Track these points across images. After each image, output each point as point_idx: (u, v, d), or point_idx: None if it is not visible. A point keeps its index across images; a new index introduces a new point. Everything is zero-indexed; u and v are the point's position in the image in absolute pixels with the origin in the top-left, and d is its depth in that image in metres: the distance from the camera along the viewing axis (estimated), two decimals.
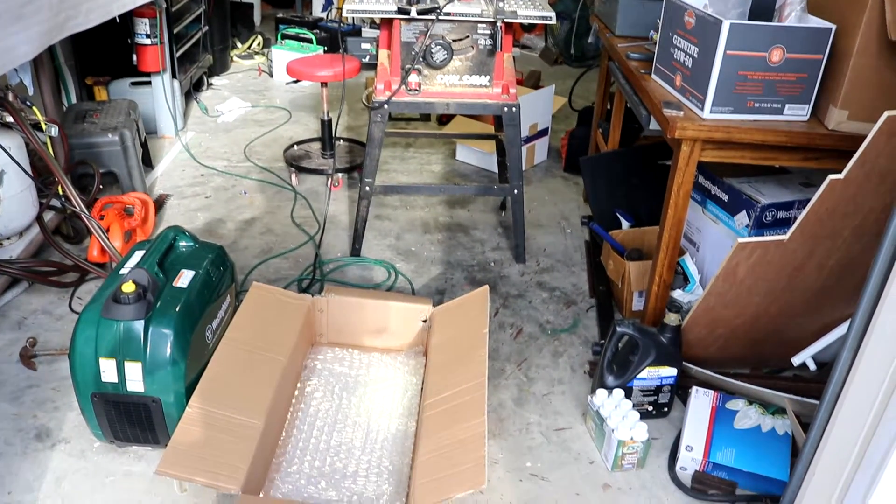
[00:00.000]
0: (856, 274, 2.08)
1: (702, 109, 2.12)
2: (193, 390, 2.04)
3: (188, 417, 1.96)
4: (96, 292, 2.15)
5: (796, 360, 2.32)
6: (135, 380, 2.02)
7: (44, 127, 2.88)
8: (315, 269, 3.11)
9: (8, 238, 2.88)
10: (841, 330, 2.22)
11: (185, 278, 2.20)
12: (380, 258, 3.23)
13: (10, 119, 2.69)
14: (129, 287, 2.01)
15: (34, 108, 2.89)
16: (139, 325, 2.00)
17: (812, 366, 2.31)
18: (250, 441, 1.96)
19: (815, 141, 2.10)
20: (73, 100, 3.96)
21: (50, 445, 2.19)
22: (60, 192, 2.91)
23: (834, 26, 2.01)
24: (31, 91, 3.05)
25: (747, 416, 2.24)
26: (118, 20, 3.26)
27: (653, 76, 2.47)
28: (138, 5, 3.44)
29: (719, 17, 2.01)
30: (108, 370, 2.01)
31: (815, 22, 2.07)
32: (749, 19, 2.14)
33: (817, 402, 1.60)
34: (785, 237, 2.00)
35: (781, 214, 2.41)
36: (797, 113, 2.13)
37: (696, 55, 2.15)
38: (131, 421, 2.09)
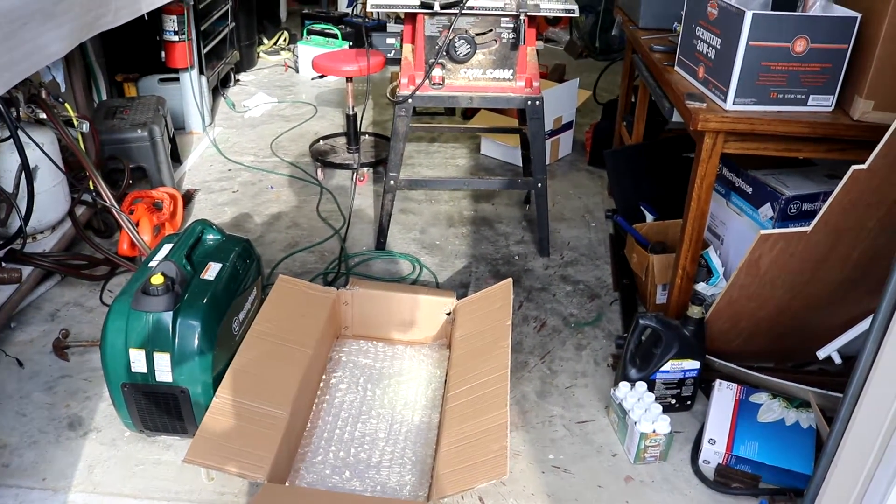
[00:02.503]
0: (881, 266, 2.06)
1: (725, 101, 2.11)
2: (220, 381, 2.08)
3: (215, 407, 2.00)
4: (126, 284, 2.19)
5: (821, 354, 2.30)
6: (163, 370, 2.06)
7: (75, 123, 2.94)
8: (340, 262, 3.14)
9: (41, 232, 2.94)
10: (867, 323, 2.20)
11: (212, 271, 2.24)
12: (404, 252, 3.25)
13: (43, 115, 2.75)
14: (157, 279, 2.05)
15: (66, 104, 2.95)
16: (168, 317, 2.04)
17: (837, 359, 2.29)
18: (276, 431, 1.99)
19: (839, 132, 2.08)
20: (104, 96, 4.02)
21: (82, 434, 2.25)
22: (92, 187, 2.96)
23: (859, 15, 1.99)
24: (63, 88, 3.11)
25: (771, 409, 2.24)
26: (147, 17, 3.32)
27: (676, 68, 2.47)
28: (167, 2, 3.49)
29: (742, 7, 2.00)
30: (137, 360, 2.05)
31: (840, 11, 2.05)
32: (772, 9, 2.12)
33: (842, 395, 1.60)
34: (808, 229, 1.99)
35: (806, 206, 2.39)
36: (821, 104, 2.11)
37: (718, 46, 2.14)
38: (160, 410, 2.14)
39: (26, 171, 2.60)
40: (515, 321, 2.76)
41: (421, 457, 2.13)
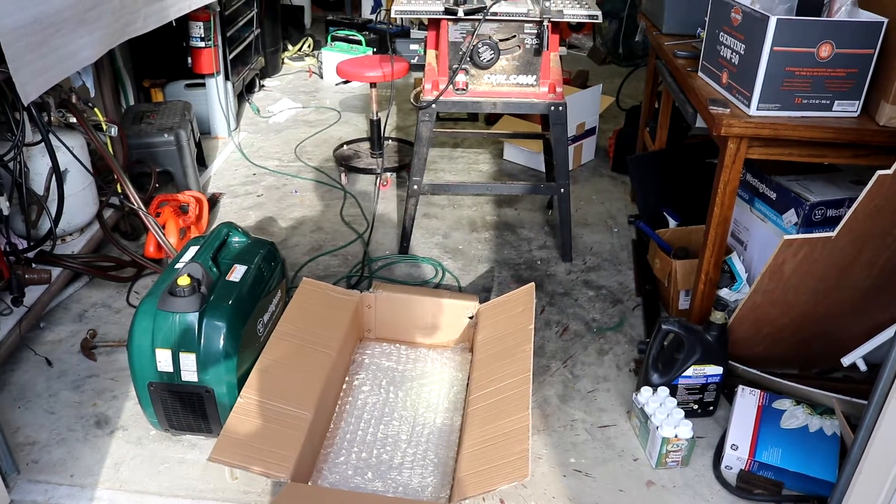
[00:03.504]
0: None
1: (748, 106, 2.11)
2: (245, 381, 2.10)
3: (240, 407, 2.02)
4: (153, 285, 2.22)
5: (846, 361, 2.28)
6: (189, 370, 2.09)
7: (104, 127, 2.99)
8: (364, 266, 3.17)
9: (70, 234, 2.99)
10: (892, 330, 2.18)
11: (237, 273, 2.27)
12: (427, 256, 3.27)
13: (73, 120, 2.80)
14: (184, 280, 2.08)
15: (96, 109, 3.00)
16: (194, 318, 2.07)
17: (862, 366, 2.28)
18: (299, 431, 2.01)
19: (865, 137, 2.07)
20: (131, 101, 4.09)
21: (109, 432, 2.28)
22: (119, 191, 3.01)
23: (885, 20, 1.98)
24: (92, 93, 3.16)
25: (794, 415, 2.23)
26: (174, 24, 3.37)
27: (699, 74, 2.47)
28: (194, 9, 3.53)
29: (766, 12, 2.00)
30: (163, 360, 2.08)
31: (866, 16, 2.05)
32: (797, 14, 2.12)
33: (866, 402, 1.59)
34: (832, 234, 1.98)
35: (831, 213, 2.38)
36: (847, 109, 2.11)
37: (742, 52, 2.14)
38: (185, 410, 2.17)
39: (57, 174, 2.65)
40: (538, 325, 2.76)
41: (443, 458, 2.15)
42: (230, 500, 2.06)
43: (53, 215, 2.70)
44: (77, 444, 2.24)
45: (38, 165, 2.70)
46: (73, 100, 2.82)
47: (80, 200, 2.91)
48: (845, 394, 2.15)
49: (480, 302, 2.60)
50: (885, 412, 1.50)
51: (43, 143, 2.57)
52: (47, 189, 2.71)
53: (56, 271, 2.76)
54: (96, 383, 2.48)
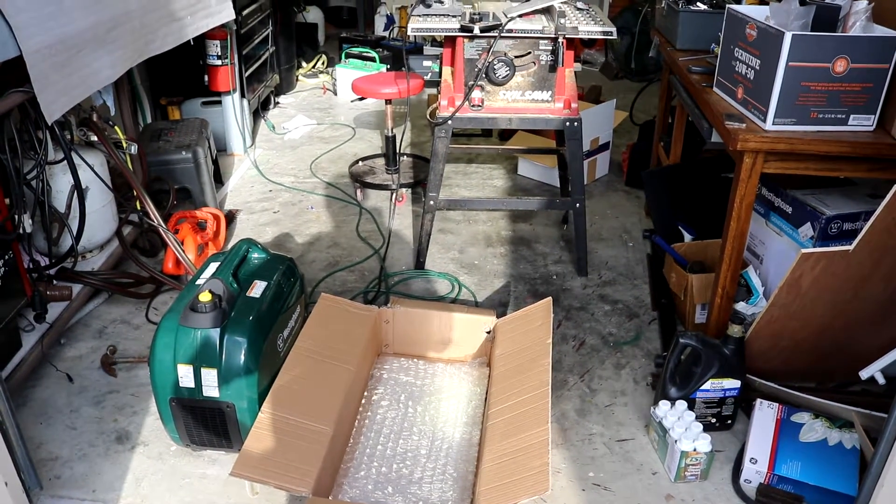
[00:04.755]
0: None
1: (764, 121, 2.12)
2: (266, 397, 2.12)
3: (261, 422, 2.04)
4: (175, 301, 2.25)
5: (864, 374, 2.28)
6: (211, 385, 2.11)
7: (124, 145, 3.03)
8: (380, 281, 3.19)
9: (90, 251, 3.02)
10: None
11: (257, 289, 2.29)
12: (444, 271, 3.28)
13: (94, 138, 2.84)
14: (205, 297, 2.10)
15: (116, 127, 3.04)
16: (215, 333, 2.09)
17: (881, 380, 2.27)
18: (320, 446, 2.02)
19: (881, 151, 2.08)
20: (149, 119, 4.13)
21: (130, 448, 2.30)
22: (139, 207, 3.04)
23: None
24: (112, 111, 3.21)
25: (813, 429, 2.22)
26: (191, 42, 3.41)
27: (714, 89, 2.48)
28: (211, 28, 3.58)
29: (781, 28, 2.01)
30: (185, 376, 2.10)
31: (881, 31, 2.06)
32: (812, 30, 2.13)
33: (886, 416, 1.59)
34: (850, 248, 1.99)
35: (847, 226, 2.38)
36: (862, 123, 2.12)
37: (757, 67, 2.16)
38: (206, 425, 2.18)
39: (79, 191, 2.68)
40: (554, 340, 2.76)
41: (462, 473, 2.15)
42: None
43: (75, 232, 2.73)
44: (98, 459, 2.26)
45: (60, 183, 2.74)
46: (95, 118, 2.86)
47: (100, 217, 2.95)
48: (864, 407, 2.15)
49: (497, 316, 2.61)
50: None
51: (65, 161, 2.62)
52: (69, 207, 2.75)
53: (77, 288, 2.79)
54: (117, 399, 2.50)
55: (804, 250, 2.02)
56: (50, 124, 2.38)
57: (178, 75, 4.32)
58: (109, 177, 2.97)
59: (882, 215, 1.91)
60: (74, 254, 2.77)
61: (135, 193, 2.97)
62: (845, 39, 2.03)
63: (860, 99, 2.09)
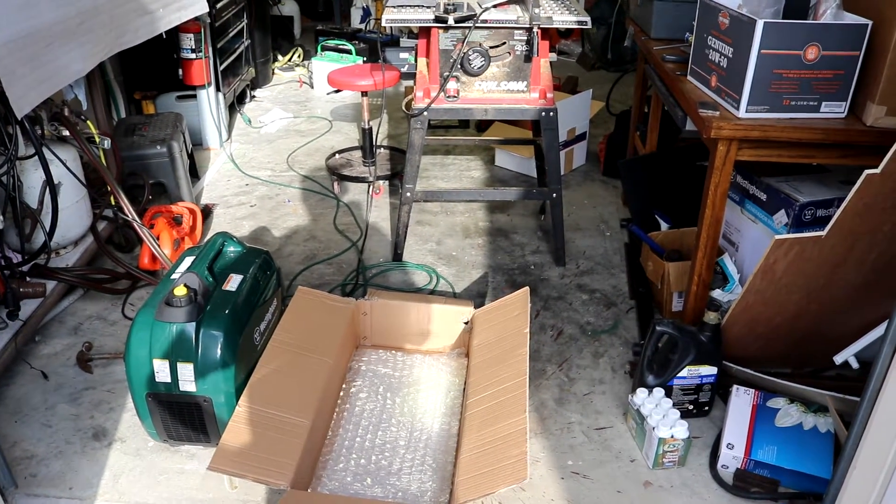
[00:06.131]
0: None
1: (737, 109, 2.13)
2: (243, 390, 2.11)
3: (238, 416, 2.03)
4: (150, 296, 2.23)
5: (838, 359, 2.30)
6: (187, 380, 2.09)
7: (97, 140, 2.99)
8: (358, 273, 3.18)
9: (64, 247, 2.99)
10: (883, 328, 2.20)
11: (233, 282, 2.27)
12: (421, 263, 3.28)
13: (66, 133, 2.80)
14: (181, 291, 2.09)
15: (88, 121, 3.00)
16: (191, 328, 2.08)
17: (855, 364, 2.30)
18: (298, 439, 2.02)
19: (852, 138, 2.10)
20: (123, 114, 4.09)
21: (106, 444, 2.28)
22: (113, 203, 3.01)
23: (870, 22, 2.02)
24: (84, 106, 3.17)
25: (788, 414, 2.24)
26: (164, 36, 3.38)
27: (688, 77, 2.49)
28: (184, 21, 3.55)
29: (753, 16, 2.02)
30: (161, 371, 2.09)
31: (851, 18, 2.08)
32: (783, 18, 2.15)
33: (859, 399, 1.61)
34: (823, 233, 2.00)
35: (821, 213, 2.40)
36: (834, 110, 2.13)
37: (730, 55, 2.17)
38: (184, 420, 2.17)
39: (50, 187, 2.65)
40: (532, 330, 2.77)
41: (441, 463, 2.15)
42: None
43: (48, 228, 2.70)
44: (75, 456, 2.24)
45: (32, 179, 2.70)
46: (66, 112, 2.83)
47: (73, 213, 2.91)
48: (838, 391, 2.17)
49: (475, 307, 2.61)
50: (877, 408, 1.52)
51: (36, 157, 2.58)
52: (41, 202, 2.71)
53: (51, 285, 2.76)
54: (93, 395, 2.48)
55: (778, 236, 2.04)
56: (20, 119, 2.35)
57: (152, 69, 4.28)
58: (83, 172, 2.94)
59: (853, 201, 1.93)
60: (48, 250, 2.74)
61: (109, 189, 2.94)
62: (816, 27, 2.04)
63: (832, 86, 2.10)
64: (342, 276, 3.18)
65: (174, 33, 3.95)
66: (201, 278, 2.18)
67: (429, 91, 2.92)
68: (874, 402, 1.54)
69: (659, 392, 2.26)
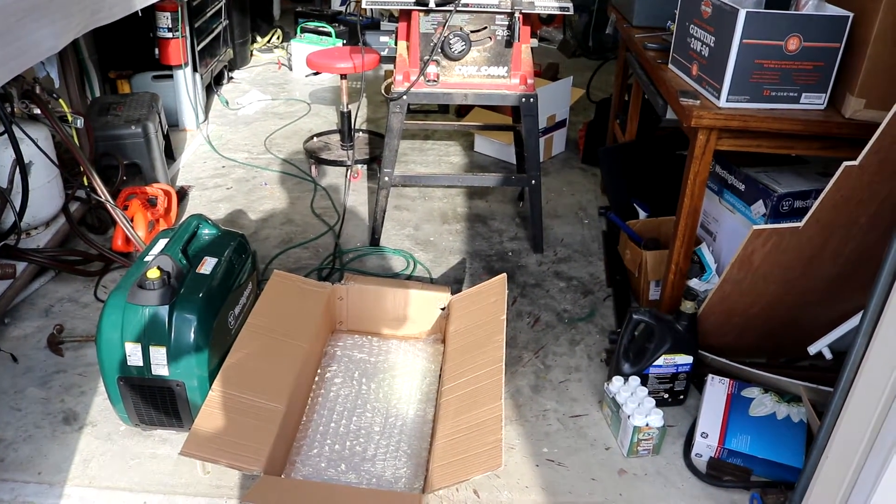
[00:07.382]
0: (872, 262, 2.07)
1: (718, 98, 2.13)
2: (216, 375, 2.08)
3: (211, 401, 2.01)
4: (122, 279, 2.19)
5: (812, 349, 2.32)
6: (159, 364, 2.07)
7: (70, 119, 2.94)
8: (335, 258, 3.15)
9: (35, 228, 2.94)
10: (857, 319, 2.22)
11: (208, 265, 2.24)
12: (399, 248, 3.26)
13: (37, 111, 2.75)
14: (154, 273, 2.05)
15: (61, 100, 2.95)
16: (164, 311, 2.05)
17: (828, 355, 2.31)
18: (272, 424, 2.00)
19: (831, 129, 2.11)
20: (97, 93, 4.02)
21: (77, 428, 2.25)
22: (86, 183, 2.96)
23: (851, 14, 2.02)
24: (57, 84, 3.11)
25: (762, 403, 2.26)
26: (140, 14, 3.32)
27: (670, 66, 2.48)
28: None
29: (735, 5, 2.02)
30: (133, 354, 2.06)
31: (832, 10, 2.08)
32: (765, 8, 2.14)
33: (832, 390, 1.62)
34: (800, 224, 2.01)
35: (798, 204, 2.41)
36: (814, 101, 2.14)
37: (712, 44, 2.16)
38: (156, 404, 2.14)
39: (21, 166, 2.60)
40: (509, 317, 2.77)
41: (416, 450, 2.15)
42: (202, 495, 2.04)
43: (18, 209, 2.65)
44: (45, 440, 2.20)
45: (2, 157, 2.65)
46: (37, 90, 2.77)
47: (45, 193, 2.86)
48: (812, 381, 2.19)
49: (452, 293, 2.60)
50: (850, 399, 1.53)
51: (6, 135, 2.53)
52: (11, 182, 2.66)
53: (21, 266, 2.71)
54: (64, 379, 2.44)
55: (755, 227, 2.04)
56: None
57: (127, 48, 4.20)
58: (55, 151, 2.89)
59: (830, 193, 1.93)
60: (18, 231, 2.69)
61: (82, 169, 2.89)
62: (798, 18, 2.04)
63: (812, 78, 2.10)
64: (319, 261, 3.15)
65: (150, 11, 3.88)
66: (175, 261, 2.15)
67: (408, 75, 2.89)
68: (847, 392, 1.55)
69: (635, 380, 2.26)
